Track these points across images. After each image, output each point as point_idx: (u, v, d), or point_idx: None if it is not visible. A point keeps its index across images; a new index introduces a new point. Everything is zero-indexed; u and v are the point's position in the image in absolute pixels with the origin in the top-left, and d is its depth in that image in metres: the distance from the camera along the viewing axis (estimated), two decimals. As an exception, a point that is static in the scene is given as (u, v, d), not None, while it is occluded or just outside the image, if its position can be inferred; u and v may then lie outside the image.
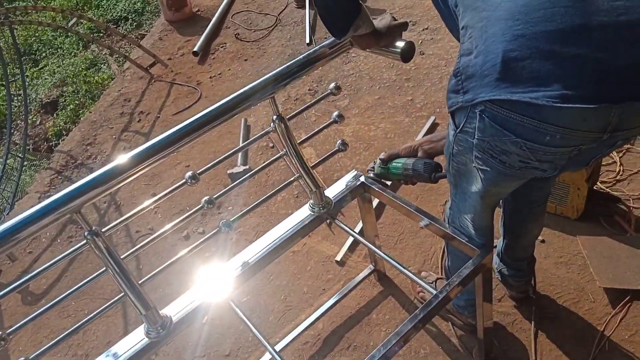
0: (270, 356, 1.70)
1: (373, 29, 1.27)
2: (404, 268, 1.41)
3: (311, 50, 1.37)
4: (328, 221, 2.22)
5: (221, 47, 3.70)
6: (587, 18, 0.86)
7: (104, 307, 1.27)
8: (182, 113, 3.12)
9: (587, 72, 0.86)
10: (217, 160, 1.34)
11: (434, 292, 1.30)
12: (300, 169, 1.48)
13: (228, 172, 2.57)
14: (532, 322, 1.70)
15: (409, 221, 2.12)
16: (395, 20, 1.34)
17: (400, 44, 1.32)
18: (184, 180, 1.30)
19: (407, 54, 1.35)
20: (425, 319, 1.26)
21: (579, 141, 0.94)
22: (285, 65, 1.34)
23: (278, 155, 1.50)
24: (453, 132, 1.11)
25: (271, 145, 2.72)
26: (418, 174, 1.44)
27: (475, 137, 1.03)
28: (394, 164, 1.50)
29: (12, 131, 3.42)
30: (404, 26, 1.35)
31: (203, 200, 1.32)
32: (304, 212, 1.58)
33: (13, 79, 3.91)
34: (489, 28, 0.93)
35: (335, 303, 1.85)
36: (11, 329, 1.12)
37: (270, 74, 1.32)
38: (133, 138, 3.05)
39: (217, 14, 3.98)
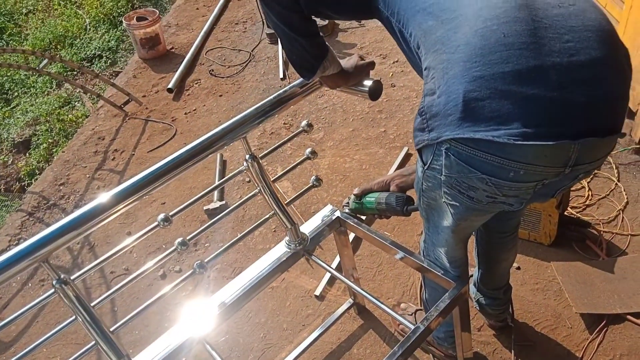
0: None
1: (341, 69, 1.31)
2: (381, 303, 1.42)
3: (282, 91, 1.39)
4: (305, 257, 2.23)
5: (196, 83, 3.72)
6: (541, 59, 0.90)
7: (74, 356, 1.23)
8: (158, 150, 3.11)
9: (544, 111, 0.90)
10: (192, 200, 1.33)
11: (412, 326, 1.31)
12: (275, 207, 1.49)
13: (204, 208, 2.55)
14: (512, 351, 1.71)
15: (387, 252, 2.12)
16: (362, 59, 1.38)
17: (368, 82, 1.36)
18: (156, 224, 1.28)
19: (375, 93, 1.39)
20: (406, 353, 1.26)
21: (542, 176, 0.97)
22: (256, 106, 1.36)
23: (253, 193, 1.50)
24: (421, 168, 1.13)
25: (247, 179, 2.72)
26: (391, 208, 1.46)
27: (443, 173, 1.05)
28: (367, 198, 1.52)
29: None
30: (371, 65, 1.39)
31: (176, 242, 1.31)
32: (280, 249, 1.58)
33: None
34: (450, 70, 0.97)
35: (315, 339, 1.83)
36: None
37: (242, 114, 1.34)
38: (107, 176, 3.01)
39: (190, 51, 4.02)
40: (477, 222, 1.26)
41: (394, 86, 3.13)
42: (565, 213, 2.09)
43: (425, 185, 1.16)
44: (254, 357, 1.87)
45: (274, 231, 2.38)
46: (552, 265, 1.94)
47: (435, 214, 1.24)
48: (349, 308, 1.92)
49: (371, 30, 3.74)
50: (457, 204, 1.10)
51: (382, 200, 1.48)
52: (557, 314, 1.80)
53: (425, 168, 1.10)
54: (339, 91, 1.41)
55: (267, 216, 1.53)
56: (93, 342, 1.25)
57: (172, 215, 1.30)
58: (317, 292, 2.04)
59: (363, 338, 1.85)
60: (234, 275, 2.23)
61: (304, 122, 1.48)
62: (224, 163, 2.88)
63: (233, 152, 2.94)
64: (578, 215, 2.12)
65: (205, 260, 1.38)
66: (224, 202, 2.58)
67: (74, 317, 1.22)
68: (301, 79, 1.37)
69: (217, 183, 1.49)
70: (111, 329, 1.23)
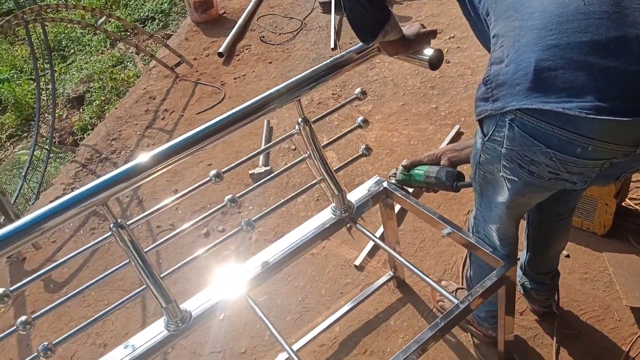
0: (287, 356, 1.71)
1: (402, 36, 1.27)
2: (425, 276, 1.40)
3: (338, 55, 1.37)
4: (349, 225, 2.23)
5: (246, 49, 3.73)
6: (624, 30, 0.85)
7: (125, 298, 1.28)
8: (206, 112, 3.15)
9: (622, 85, 0.85)
10: (241, 160, 1.35)
11: (456, 301, 1.29)
12: (324, 172, 1.49)
13: (250, 172, 2.59)
14: (554, 338, 1.67)
15: (431, 229, 2.10)
16: (424, 27, 1.33)
17: (428, 51, 1.32)
18: (208, 178, 1.31)
19: (436, 62, 1.35)
20: (445, 328, 1.25)
21: (611, 154, 0.92)
22: (312, 69, 1.34)
23: (301, 157, 1.50)
24: (481, 140, 1.09)
25: (293, 147, 2.72)
26: (440, 182, 1.43)
27: (504, 146, 1.01)
28: (416, 171, 1.49)
29: (39, 124, 3.49)
30: (432, 34, 1.34)
31: (226, 198, 1.33)
32: (325, 215, 1.58)
33: (42, 74, 4.01)
34: (522, 37, 0.92)
35: (352, 307, 1.84)
36: (36, 314, 1.14)
37: (298, 77, 1.33)
38: (157, 135, 3.09)
39: (243, 17, 4.02)
40: (534, 199, 1.22)
41: (449, 62, 3.04)
42: (623, 204, 1.99)
43: (484, 158, 1.12)
44: (291, 319, 1.91)
45: (317, 200, 2.39)
46: (604, 255, 1.86)
47: (490, 188, 1.21)
48: (388, 280, 1.92)
49: (428, 4, 3.63)
50: (516, 178, 1.06)
51: (431, 174, 1.45)
52: (605, 305, 1.74)
53: (486, 140, 1.07)
54: (397, 59, 1.37)
55: (315, 181, 1.53)
56: (143, 287, 1.29)
57: (223, 172, 1.32)
58: (357, 262, 2.04)
59: (401, 311, 1.85)
60: (275, 239, 2.26)
61: (357, 90, 1.46)
62: (270, 129, 2.89)
63: (280, 120, 2.95)
64: (637, 207, 2.02)
65: (253, 219, 1.40)
66: (269, 167, 2.61)
67: (126, 261, 1.27)
68: (359, 45, 1.34)
69: (263, 147, 1.50)
70: (161, 275, 1.28)
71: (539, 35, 0.90)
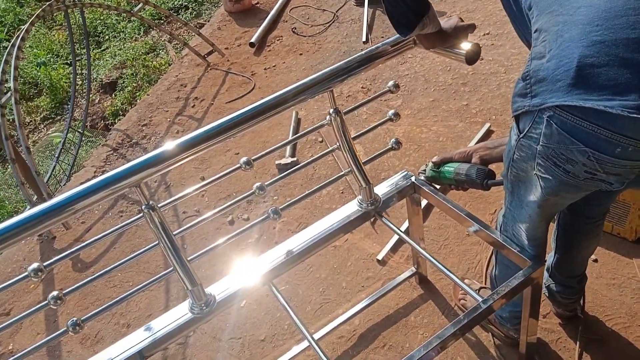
0: (307, 344, 1.72)
1: (439, 29, 1.26)
2: (450, 272, 1.39)
3: (373, 47, 1.37)
4: (372, 219, 2.22)
5: (277, 40, 3.74)
6: None
7: (150, 280, 1.30)
8: (235, 102, 3.18)
9: None
10: (272, 148, 1.36)
11: (479, 299, 1.28)
12: (352, 164, 1.49)
13: (276, 162, 2.60)
14: (578, 343, 1.64)
15: (455, 227, 2.08)
16: (462, 21, 1.32)
17: (466, 45, 1.30)
18: (238, 165, 1.32)
19: (473, 57, 1.32)
20: (467, 326, 1.23)
21: None
22: (346, 60, 1.34)
23: (330, 148, 1.50)
24: (516, 137, 1.07)
25: (320, 139, 2.73)
26: (470, 180, 1.41)
27: (540, 143, 0.99)
28: (446, 167, 1.48)
29: (74, 107, 3.58)
30: (471, 28, 1.32)
31: (255, 185, 1.34)
32: (351, 207, 1.58)
33: (78, 59, 4.11)
34: (565, 32, 0.90)
35: (373, 301, 1.84)
36: (66, 290, 1.18)
37: (331, 67, 1.33)
38: (186, 122, 3.13)
39: (275, 7, 4.03)
40: (568, 199, 1.19)
41: (482, 59, 2.99)
42: (657, 210, 1.93)
43: (518, 155, 1.10)
44: (311, 309, 1.92)
45: (342, 192, 2.39)
46: (634, 262, 1.81)
47: (522, 186, 1.19)
48: (410, 276, 1.91)
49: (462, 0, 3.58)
50: (550, 177, 1.04)
51: (461, 171, 1.43)
52: (632, 313, 1.70)
53: (521, 136, 1.05)
54: (432, 52, 1.36)
55: (343, 173, 1.53)
56: (169, 269, 1.32)
57: (254, 160, 1.34)
58: (380, 257, 2.04)
59: (422, 307, 1.84)
60: (298, 229, 2.27)
61: (390, 82, 1.45)
62: (298, 121, 2.90)
63: (308, 112, 2.95)
64: (671, 214, 1.95)
65: (280, 207, 1.41)
66: (295, 158, 2.62)
67: (154, 243, 1.30)
68: (394, 37, 1.33)
69: (292, 137, 1.50)
70: (187, 259, 1.30)
71: (583, 30, 0.88)
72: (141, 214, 1.26)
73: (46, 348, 1.97)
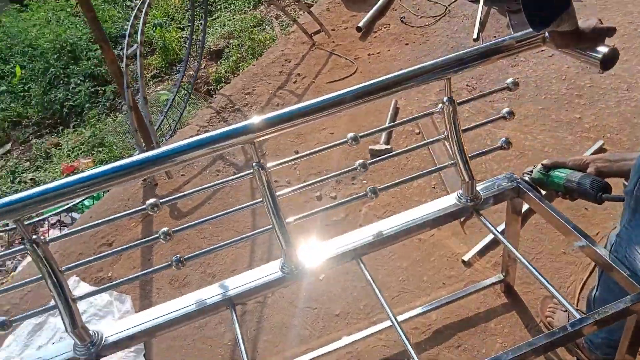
0: (385, 326, 1.74)
1: (576, 27, 1.19)
2: (548, 283, 1.33)
3: (499, 39, 1.33)
4: (462, 219, 2.18)
5: (384, 27, 3.72)
6: None
7: (245, 235, 1.34)
8: (336, 83, 3.22)
9: None
10: (377, 128, 1.38)
11: (578, 315, 1.22)
12: (458, 156, 1.46)
13: (370, 147, 2.61)
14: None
15: (551, 242, 1.99)
16: (601, 23, 1.24)
17: (602, 49, 1.22)
18: (345, 140, 1.35)
19: (609, 62, 1.24)
20: (551, 345, 1.17)
21: None
22: (466, 50, 1.31)
23: (437, 137, 1.48)
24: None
25: (417, 131, 2.70)
26: (583, 190, 1.33)
27: None
28: (556, 172, 1.40)
29: (187, 67, 3.79)
30: (611, 31, 1.24)
31: (357, 162, 1.36)
32: (448, 200, 1.56)
33: (194, 25, 4.33)
34: None
35: (453, 300, 1.81)
36: (175, 229, 1.26)
37: (449, 56, 1.30)
38: (286, 96, 3.22)
39: (387, -5, 4.00)
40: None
41: (602, 72, 2.79)
42: None
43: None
44: (389, 296, 1.93)
45: (433, 187, 2.36)
46: None
47: (650, 207, 1.11)
48: (496, 283, 1.86)
49: (588, 7, 3.35)
50: None
51: (573, 179, 1.35)
52: None
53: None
54: (563, 52, 1.29)
55: (446, 164, 1.50)
56: (269, 226, 1.38)
57: (361, 137, 1.35)
58: (466, 258, 1.99)
59: (504, 316, 1.79)
60: (384, 216, 2.28)
61: (509, 80, 1.40)
62: (396, 110, 2.88)
63: (408, 102, 2.92)
64: None
65: (378, 187, 1.41)
66: (389, 146, 2.61)
67: (258, 200, 1.35)
68: (522, 32, 1.28)
69: (395, 122, 1.50)
70: (286, 220, 1.35)
71: None
72: (251, 170, 1.33)
73: (140, 282, 2.14)
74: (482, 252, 2.01)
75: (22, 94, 5.26)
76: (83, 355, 1.30)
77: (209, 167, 2.73)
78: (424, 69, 1.31)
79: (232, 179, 1.34)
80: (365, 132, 1.37)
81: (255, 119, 1.24)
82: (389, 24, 3.74)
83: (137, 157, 1.19)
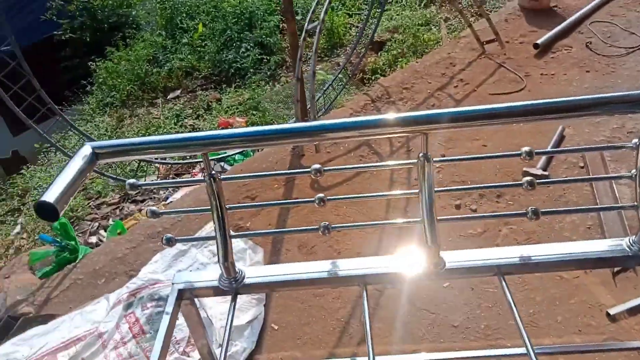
0: (519, 352, 1.65)
1: None
2: None
3: None
4: (616, 269, 1.98)
5: (565, 49, 3.46)
6: None
7: (386, 222, 1.35)
8: (500, 96, 3.08)
9: None
10: (551, 150, 1.27)
11: None
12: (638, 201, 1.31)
13: (524, 169, 2.47)
14: None
15: None
16: None
17: None
18: (518, 152, 1.27)
19: None
20: None
21: None
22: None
23: (616, 175, 1.34)
24: None
25: (581, 165, 2.48)
26: None
27: None
28: None
29: (352, 53, 3.90)
30: None
31: (525, 179, 1.28)
32: (615, 243, 1.41)
33: (359, 12, 4.45)
34: None
35: (590, 350, 1.65)
36: (330, 197, 1.30)
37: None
38: (444, 99, 3.16)
39: (576, 16, 3.71)
40: None
41: None
42: None
43: None
44: (513, 324, 1.81)
45: (588, 228, 2.16)
46: None
47: None
48: (644, 348, 1.65)
49: None
50: None
51: None
52: None
53: None
54: None
55: (619, 205, 1.35)
56: (418, 219, 1.37)
57: (536, 153, 1.27)
58: (612, 311, 1.80)
59: (646, 386, 1.59)
60: (525, 242, 2.15)
61: None
62: (562, 137, 2.68)
63: (576, 131, 2.69)
64: None
65: (541, 210, 1.32)
66: (546, 172, 2.44)
67: (414, 190, 1.34)
68: None
69: (550, 149, 1.38)
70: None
71: None
72: (416, 160, 1.32)
73: (272, 239, 2.28)
74: (633, 311, 1.80)
75: (199, 48, 5.85)
76: (226, 287, 1.43)
77: (353, 150, 2.80)
78: (617, 98, 1.20)
79: (393, 165, 1.34)
80: (542, 150, 1.29)
81: (433, 112, 1.24)
82: (571, 47, 3.47)
83: (310, 123, 1.25)
